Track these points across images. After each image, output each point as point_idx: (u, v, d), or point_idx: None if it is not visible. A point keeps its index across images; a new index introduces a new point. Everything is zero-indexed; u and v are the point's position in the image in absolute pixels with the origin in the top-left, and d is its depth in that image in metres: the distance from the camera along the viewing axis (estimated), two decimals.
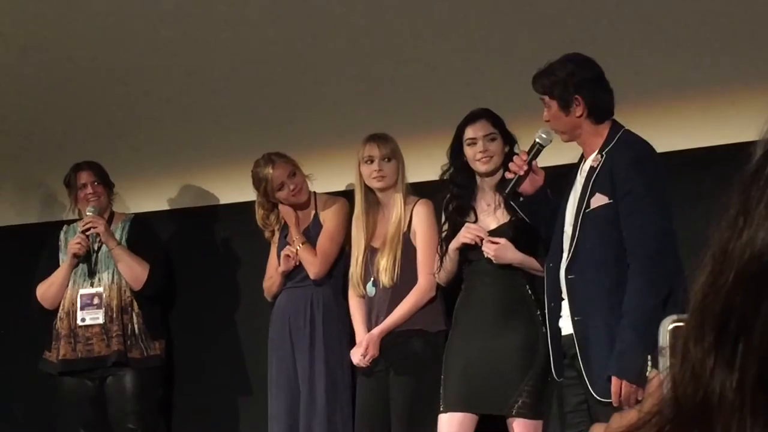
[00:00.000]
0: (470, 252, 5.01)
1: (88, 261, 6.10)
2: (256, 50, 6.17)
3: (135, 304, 6.06)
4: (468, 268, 5.05)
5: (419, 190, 5.45)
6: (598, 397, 4.27)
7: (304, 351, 5.58)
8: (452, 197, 5.10)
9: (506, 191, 4.68)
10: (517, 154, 4.78)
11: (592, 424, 4.14)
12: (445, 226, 5.13)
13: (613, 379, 4.22)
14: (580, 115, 4.45)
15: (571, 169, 4.60)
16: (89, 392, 6.05)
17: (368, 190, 5.42)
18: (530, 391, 4.83)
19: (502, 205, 4.97)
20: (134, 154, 6.54)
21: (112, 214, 6.24)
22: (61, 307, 6.09)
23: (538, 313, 4.82)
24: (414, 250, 5.30)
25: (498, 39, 5.64)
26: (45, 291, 6.13)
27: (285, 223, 5.74)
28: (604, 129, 4.47)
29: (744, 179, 0.80)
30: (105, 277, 6.07)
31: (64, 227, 6.30)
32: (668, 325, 1.05)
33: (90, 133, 6.61)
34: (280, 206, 5.71)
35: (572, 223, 4.44)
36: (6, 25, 6.47)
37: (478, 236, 4.95)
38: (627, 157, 4.37)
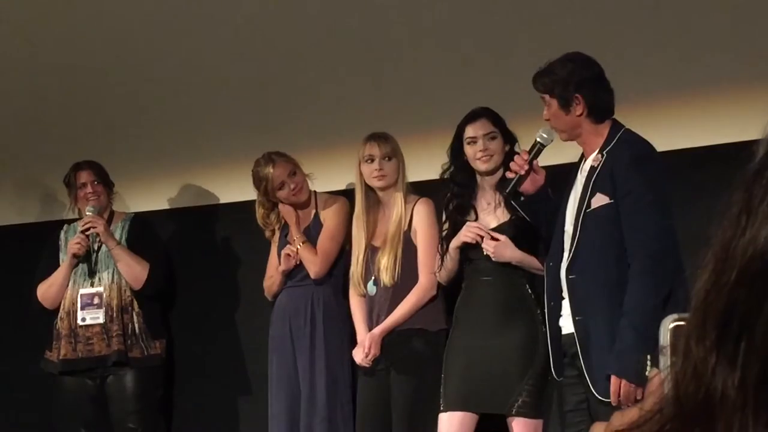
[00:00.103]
0: (471, 251, 5.01)
1: (88, 261, 6.10)
2: (255, 50, 6.17)
3: (135, 303, 6.06)
4: (469, 266, 5.05)
5: (420, 189, 5.45)
6: (599, 397, 4.27)
7: (304, 350, 5.58)
8: (452, 196, 5.10)
9: (507, 191, 4.68)
10: (518, 154, 4.78)
11: (592, 423, 4.15)
12: (446, 225, 5.13)
13: (613, 378, 4.22)
14: (581, 114, 4.44)
15: (571, 169, 4.60)
16: (90, 392, 6.05)
17: (369, 189, 5.42)
18: (530, 390, 4.83)
19: (503, 204, 4.97)
20: (134, 154, 6.54)
21: (111, 214, 6.24)
22: (61, 307, 6.09)
23: (538, 312, 4.82)
24: (415, 249, 5.30)
25: (498, 38, 5.64)
26: (45, 291, 6.13)
27: (285, 222, 5.74)
28: (605, 128, 4.47)
29: (747, 178, 0.81)
30: (105, 276, 6.07)
31: (65, 227, 6.30)
32: (669, 324, 1.06)
33: (90, 133, 6.61)
34: (281, 205, 5.71)
35: (573, 222, 4.44)
36: (6, 26, 6.47)
37: (478, 235, 4.95)
38: (627, 156, 4.37)
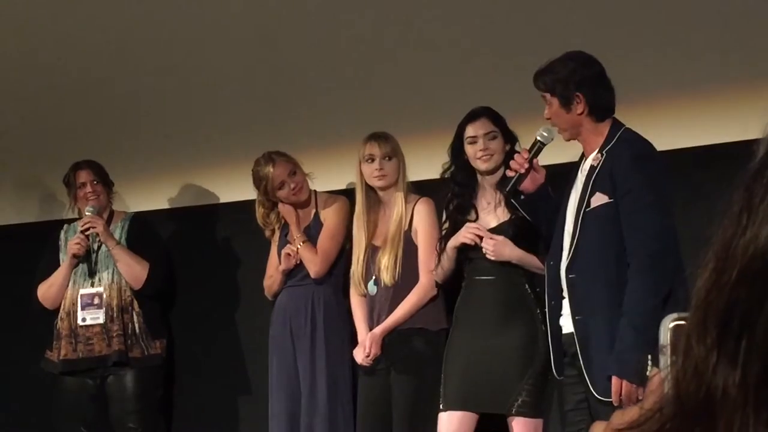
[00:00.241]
0: (470, 250, 5.01)
1: (88, 261, 6.10)
2: (256, 50, 6.17)
3: (135, 303, 6.06)
4: (468, 266, 5.05)
5: (420, 189, 5.45)
6: (599, 396, 4.27)
7: (305, 350, 5.58)
8: (453, 195, 5.11)
9: (507, 189, 4.67)
10: (518, 153, 4.78)
11: (592, 422, 4.15)
12: (446, 225, 5.13)
13: (614, 378, 4.21)
14: (581, 113, 4.44)
15: (571, 168, 4.60)
16: (90, 391, 6.05)
17: (369, 189, 5.42)
18: (530, 389, 4.83)
19: (503, 204, 4.97)
20: (134, 154, 6.54)
21: (111, 213, 6.24)
22: (61, 307, 6.09)
23: (538, 311, 4.82)
24: (415, 248, 5.30)
25: (498, 38, 5.64)
26: (46, 291, 6.13)
27: (285, 221, 5.74)
28: (605, 127, 4.47)
29: (747, 177, 0.81)
30: (105, 276, 6.07)
31: (65, 226, 6.30)
32: (669, 323, 1.05)
33: (90, 133, 6.61)
34: (281, 205, 5.71)
35: (573, 222, 4.44)
36: (7, 26, 6.47)
37: (477, 236, 4.95)
38: (627, 155, 4.37)
